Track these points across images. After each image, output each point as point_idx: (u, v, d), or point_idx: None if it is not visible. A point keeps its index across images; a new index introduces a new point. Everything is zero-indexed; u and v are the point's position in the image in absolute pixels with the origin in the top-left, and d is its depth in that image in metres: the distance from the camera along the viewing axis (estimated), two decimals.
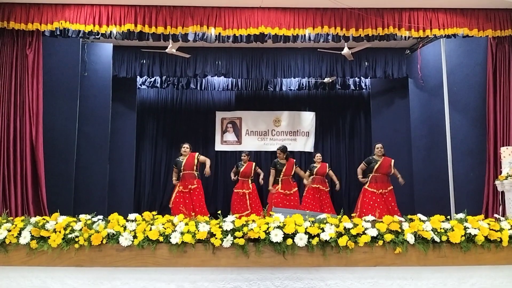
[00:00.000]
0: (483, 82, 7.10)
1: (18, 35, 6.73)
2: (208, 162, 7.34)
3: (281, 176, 7.60)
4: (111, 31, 6.61)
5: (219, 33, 6.68)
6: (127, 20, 6.55)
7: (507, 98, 6.86)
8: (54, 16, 6.55)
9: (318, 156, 8.93)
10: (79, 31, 6.57)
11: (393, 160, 7.31)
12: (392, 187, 7.22)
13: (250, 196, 8.16)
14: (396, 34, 6.77)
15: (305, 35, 6.77)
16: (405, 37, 6.85)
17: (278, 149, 7.83)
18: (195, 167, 7.30)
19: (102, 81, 8.06)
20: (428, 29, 6.75)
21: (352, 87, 10.40)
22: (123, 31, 6.58)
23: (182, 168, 7.27)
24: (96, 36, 6.81)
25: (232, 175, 8.67)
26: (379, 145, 7.36)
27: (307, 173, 8.80)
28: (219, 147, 10.58)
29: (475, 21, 6.75)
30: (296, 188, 7.73)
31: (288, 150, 10.06)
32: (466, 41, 7.27)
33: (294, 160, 7.89)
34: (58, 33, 6.65)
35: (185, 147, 7.41)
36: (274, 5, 6.67)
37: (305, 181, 8.30)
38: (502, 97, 6.90)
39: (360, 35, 6.75)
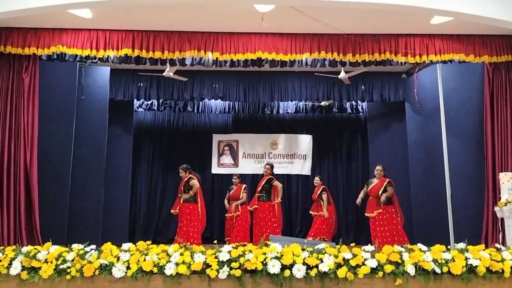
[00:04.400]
0: (480, 107, 7.07)
1: (15, 59, 6.68)
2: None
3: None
4: (108, 56, 6.59)
5: (217, 58, 6.68)
6: (124, 44, 6.55)
7: (505, 123, 6.82)
8: (51, 40, 6.54)
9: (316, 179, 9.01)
10: (76, 55, 6.55)
11: (387, 180, 7.19)
12: (380, 210, 7.06)
13: (237, 219, 8.28)
14: (392, 59, 6.79)
15: (302, 60, 6.79)
16: (401, 62, 6.88)
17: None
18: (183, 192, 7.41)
19: (99, 104, 8.05)
20: (424, 55, 6.76)
21: (349, 110, 10.42)
22: (120, 55, 6.58)
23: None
24: (93, 60, 6.80)
25: (225, 202, 8.78)
26: (377, 167, 7.30)
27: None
28: (215, 170, 10.51)
29: (471, 47, 6.78)
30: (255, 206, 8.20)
31: (285, 173, 10.25)
32: (462, 66, 7.27)
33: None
34: (55, 57, 6.63)
35: (180, 171, 7.53)
36: (272, 30, 6.68)
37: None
38: (500, 122, 6.86)
39: (356, 60, 6.77)
